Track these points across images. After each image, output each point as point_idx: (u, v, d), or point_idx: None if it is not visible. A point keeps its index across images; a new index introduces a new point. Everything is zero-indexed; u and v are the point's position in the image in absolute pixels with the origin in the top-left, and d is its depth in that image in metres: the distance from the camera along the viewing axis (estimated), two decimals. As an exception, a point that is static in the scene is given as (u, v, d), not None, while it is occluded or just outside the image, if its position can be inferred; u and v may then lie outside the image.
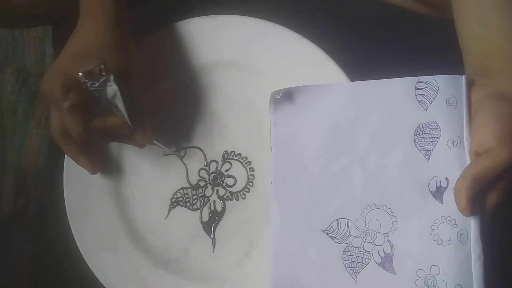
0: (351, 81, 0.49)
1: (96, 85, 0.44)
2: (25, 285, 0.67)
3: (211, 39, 0.53)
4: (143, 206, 0.54)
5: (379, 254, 0.45)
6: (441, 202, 0.44)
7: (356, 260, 0.45)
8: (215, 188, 0.53)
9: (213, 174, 0.53)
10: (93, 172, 0.52)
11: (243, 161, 0.52)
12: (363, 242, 0.45)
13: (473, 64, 0.46)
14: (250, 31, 0.52)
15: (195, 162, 0.53)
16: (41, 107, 0.99)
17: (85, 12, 0.48)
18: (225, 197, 0.52)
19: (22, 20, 0.62)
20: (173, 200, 0.53)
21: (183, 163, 0.53)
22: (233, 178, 0.53)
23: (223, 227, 0.52)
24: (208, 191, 0.53)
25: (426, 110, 0.45)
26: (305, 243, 0.46)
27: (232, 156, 0.53)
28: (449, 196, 0.44)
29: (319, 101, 0.48)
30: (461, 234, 0.43)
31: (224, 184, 0.53)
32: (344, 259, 0.45)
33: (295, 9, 0.55)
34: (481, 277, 0.42)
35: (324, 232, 0.46)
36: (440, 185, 0.44)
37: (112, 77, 0.44)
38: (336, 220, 0.46)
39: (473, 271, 0.42)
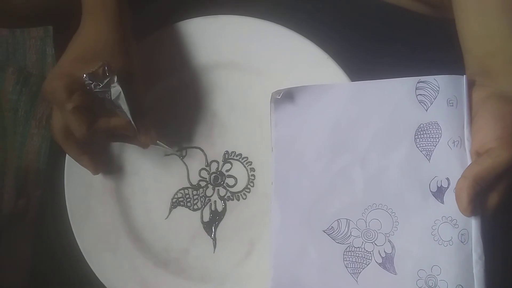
0: (352, 81, 0.49)
1: (100, 86, 0.44)
2: (25, 285, 0.67)
3: (212, 39, 0.53)
4: (144, 206, 0.54)
5: (380, 254, 0.45)
6: (442, 202, 0.44)
7: (357, 261, 0.45)
8: (216, 188, 0.53)
9: (214, 174, 0.53)
10: (95, 172, 0.52)
11: (244, 161, 0.52)
12: (364, 242, 0.45)
13: (474, 64, 0.46)
14: (250, 31, 0.52)
15: (196, 162, 0.53)
16: (42, 107, 0.99)
17: (87, 13, 0.48)
18: (225, 197, 0.52)
19: (23, 20, 0.62)
20: (174, 200, 0.53)
21: (184, 163, 0.53)
22: (234, 178, 0.53)
23: (224, 227, 0.52)
24: (209, 191, 0.53)
25: (427, 110, 0.45)
26: (306, 243, 0.46)
27: (233, 156, 0.53)
28: (450, 196, 0.44)
29: (319, 101, 0.48)
30: (462, 234, 0.43)
31: (224, 184, 0.53)
32: (345, 259, 0.45)
33: (296, 9, 0.55)
34: (482, 277, 0.42)
35: (324, 232, 0.46)
36: (441, 185, 0.44)
37: (115, 78, 0.45)
38: (337, 220, 0.46)
39: (474, 271, 0.42)
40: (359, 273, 0.45)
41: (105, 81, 0.44)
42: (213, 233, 0.52)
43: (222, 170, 0.53)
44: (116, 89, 0.45)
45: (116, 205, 0.54)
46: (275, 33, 0.52)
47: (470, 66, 0.47)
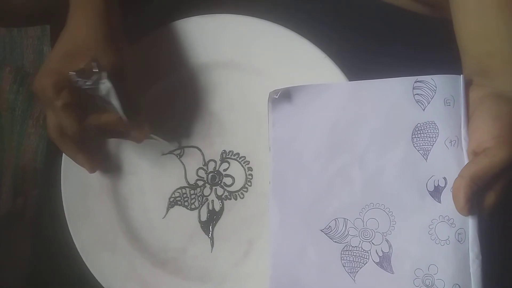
0: (350, 80, 0.49)
1: (88, 83, 0.43)
2: (23, 284, 0.67)
3: (210, 39, 0.53)
4: (141, 206, 0.53)
5: (377, 254, 0.45)
6: (439, 201, 0.44)
7: (354, 260, 0.45)
8: (214, 187, 0.53)
9: (211, 174, 0.53)
10: (92, 170, 0.51)
11: (242, 160, 0.52)
12: (361, 241, 0.45)
13: (471, 64, 0.46)
14: (249, 30, 0.52)
15: (193, 162, 0.53)
16: (39, 106, 0.99)
17: (74, 8, 0.47)
18: (223, 196, 0.52)
19: (20, 20, 0.62)
20: (171, 199, 0.53)
21: (181, 162, 0.53)
22: (231, 177, 0.53)
23: (222, 227, 0.52)
24: (207, 191, 0.53)
25: (424, 110, 0.45)
26: (304, 243, 0.46)
27: (231, 156, 0.53)
28: (447, 196, 0.44)
29: (317, 101, 0.48)
30: (459, 233, 0.43)
31: (222, 184, 0.53)
32: (342, 259, 0.46)
33: (295, 9, 0.55)
34: (479, 276, 0.42)
35: (322, 231, 0.46)
36: (438, 184, 0.44)
37: (105, 75, 0.43)
38: (335, 219, 0.46)
39: (471, 271, 0.42)
40: (357, 272, 0.45)
41: (94, 78, 0.43)
42: (210, 233, 0.52)
43: (219, 170, 0.53)
44: (105, 85, 0.44)
45: (113, 204, 0.54)
46: (273, 33, 0.52)
47: (468, 65, 0.47)
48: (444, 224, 0.43)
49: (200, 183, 0.53)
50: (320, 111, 0.48)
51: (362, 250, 0.45)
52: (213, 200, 0.52)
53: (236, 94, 0.53)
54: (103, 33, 0.46)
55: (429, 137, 0.45)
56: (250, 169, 0.52)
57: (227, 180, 0.53)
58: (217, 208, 0.52)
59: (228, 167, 0.53)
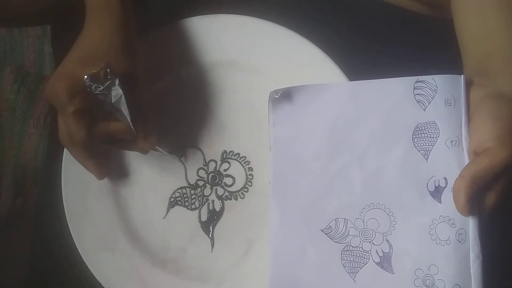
0: (350, 80, 0.49)
1: (101, 88, 0.43)
2: (23, 284, 0.67)
3: (210, 39, 0.53)
4: (142, 206, 0.53)
5: (377, 254, 0.45)
6: (440, 201, 0.44)
7: (354, 260, 0.45)
8: (214, 187, 0.53)
9: (211, 174, 0.53)
10: (100, 177, 0.51)
11: (242, 160, 0.52)
12: (361, 241, 0.45)
13: (472, 64, 0.46)
14: (249, 30, 0.52)
15: (193, 162, 0.53)
16: (39, 107, 0.99)
17: (91, 13, 0.47)
18: (223, 196, 0.52)
19: (21, 19, 0.62)
20: (172, 199, 0.53)
21: (182, 162, 0.53)
22: (231, 177, 0.53)
23: (222, 227, 0.52)
24: (207, 191, 0.53)
25: (424, 110, 0.45)
26: (304, 243, 0.46)
27: (231, 156, 0.53)
28: (447, 196, 0.44)
29: (317, 101, 0.48)
30: (459, 233, 0.43)
31: (222, 184, 0.53)
32: (342, 259, 0.45)
33: (295, 9, 0.55)
34: (480, 277, 0.42)
35: (322, 231, 0.46)
36: (439, 184, 0.44)
37: (117, 81, 0.44)
38: (335, 219, 0.46)
39: (471, 271, 0.42)
40: (357, 272, 0.45)
41: (106, 83, 0.43)
42: (211, 233, 0.52)
43: (220, 170, 0.53)
44: (117, 92, 0.44)
45: (113, 204, 0.53)
46: (273, 33, 0.52)
47: (468, 65, 0.47)
48: (445, 224, 0.43)
49: (201, 183, 0.53)
50: (320, 111, 0.48)
51: (363, 250, 0.45)
52: (213, 200, 0.52)
53: (237, 94, 0.53)
54: (118, 39, 0.46)
55: (430, 137, 0.45)
56: (251, 169, 0.52)
57: (228, 180, 0.53)
58: (217, 208, 0.52)
59: (229, 167, 0.53)
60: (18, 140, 0.98)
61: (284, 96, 0.48)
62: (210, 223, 0.52)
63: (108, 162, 0.52)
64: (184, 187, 0.53)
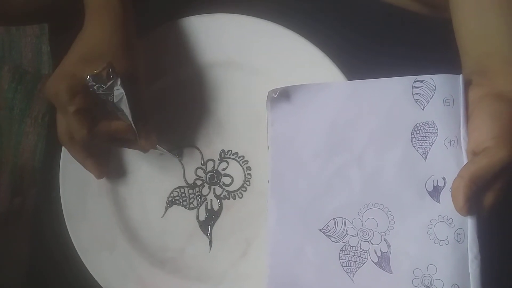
0: (349, 80, 0.49)
1: (103, 88, 0.43)
2: (22, 284, 0.67)
3: (210, 38, 0.53)
4: (140, 205, 0.53)
5: (376, 253, 0.45)
6: (438, 201, 0.44)
7: (353, 259, 0.45)
8: (212, 187, 0.53)
9: (210, 173, 0.53)
10: (99, 176, 0.51)
11: (240, 160, 0.52)
12: (360, 241, 0.45)
13: (471, 64, 0.46)
14: (249, 30, 0.52)
15: (192, 161, 0.53)
16: (37, 105, 0.99)
17: (90, 13, 0.47)
18: (222, 196, 0.52)
19: (18, 18, 0.62)
20: (170, 199, 0.53)
21: (180, 162, 0.53)
22: (230, 177, 0.52)
23: (220, 226, 0.52)
24: (205, 190, 0.53)
25: (423, 110, 0.45)
26: (302, 242, 0.46)
27: (229, 155, 0.53)
28: (446, 196, 0.44)
29: (316, 100, 0.48)
30: (458, 233, 0.43)
31: (221, 183, 0.53)
32: (341, 258, 0.45)
33: (295, 9, 0.55)
34: (478, 277, 0.42)
35: (321, 231, 0.46)
36: (437, 184, 0.44)
37: (119, 81, 0.44)
38: (333, 219, 0.46)
39: (470, 271, 0.42)
40: (355, 272, 0.45)
41: (109, 83, 0.43)
42: (209, 232, 0.52)
43: (218, 169, 0.53)
44: (119, 92, 0.44)
45: (112, 204, 0.53)
46: (272, 32, 0.52)
47: (467, 65, 0.47)
48: (443, 224, 0.43)
49: (199, 182, 0.53)
50: (319, 110, 0.48)
51: (361, 250, 0.45)
52: (211, 200, 0.52)
53: (235, 93, 0.53)
54: (119, 39, 0.46)
55: (428, 136, 0.45)
56: (249, 168, 0.52)
57: (226, 180, 0.53)
58: (215, 207, 0.52)
59: (227, 166, 0.53)
60: (16, 139, 0.98)
61: (283, 95, 0.48)
62: (208, 222, 0.52)
63: (107, 161, 0.52)
64: (182, 187, 0.53)
